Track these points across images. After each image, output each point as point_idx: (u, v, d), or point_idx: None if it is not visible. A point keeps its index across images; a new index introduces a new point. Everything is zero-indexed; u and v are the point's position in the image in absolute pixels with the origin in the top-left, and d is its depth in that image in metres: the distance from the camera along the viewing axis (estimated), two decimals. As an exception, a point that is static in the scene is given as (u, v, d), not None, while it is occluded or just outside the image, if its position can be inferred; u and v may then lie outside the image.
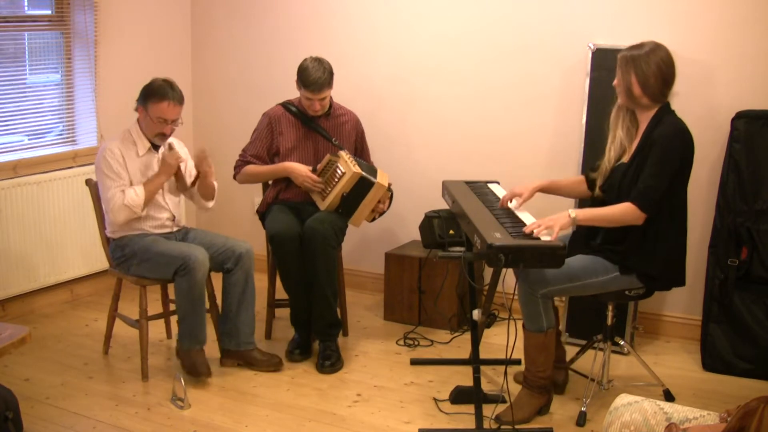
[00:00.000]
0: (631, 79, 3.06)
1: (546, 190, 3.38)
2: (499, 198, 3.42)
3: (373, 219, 3.94)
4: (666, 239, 3.07)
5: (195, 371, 3.50)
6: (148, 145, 3.59)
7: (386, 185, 3.76)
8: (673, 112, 3.15)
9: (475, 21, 4.31)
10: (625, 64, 3.08)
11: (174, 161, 3.58)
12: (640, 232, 3.04)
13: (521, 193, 3.28)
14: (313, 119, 3.93)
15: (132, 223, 3.58)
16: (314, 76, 3.75)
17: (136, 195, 3.50)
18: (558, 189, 3.43)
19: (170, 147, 3.60)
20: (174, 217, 3.71)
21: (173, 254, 3.45)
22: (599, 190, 3.24)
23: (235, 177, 4.00)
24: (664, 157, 3.00)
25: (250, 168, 3.93)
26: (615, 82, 3.15)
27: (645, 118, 3.12)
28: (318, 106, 3.84)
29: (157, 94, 3.48)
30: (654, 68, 3.03)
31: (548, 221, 2.97)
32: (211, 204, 3.83)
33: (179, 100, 3.53)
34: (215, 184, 3.79)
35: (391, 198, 3.92)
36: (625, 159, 3.15)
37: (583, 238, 3.22)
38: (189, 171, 3.75)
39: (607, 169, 3.20)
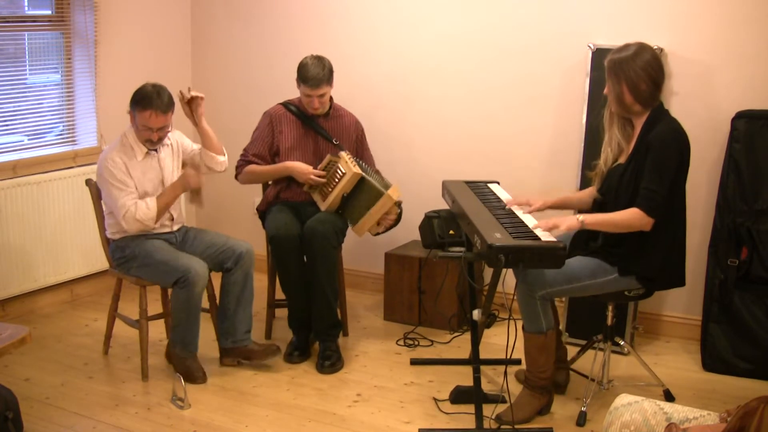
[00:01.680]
0: (621, 88, 3.05)
1: (559, 206, 3.39)
2: (499, 198, 3.42)
3: (378, 233, 3.91)
4: (665, 240, 3.07)
5: (190, 376, 3.51)
6: (145, 149, 3.58)
7: (395, 199, 3.72)
8: (667, 111, 3.14)
9: (476, 21, 4.31)
10: (614, 71, 3.06)
11: (194, 183, 3.57)
12: (640, 234, 3.03)
13: (533, 204, 3.28)
14: (313, 119, 3.93)
15: None
16: (313, 71, 3.75)
17: (148, 209, 3.48)
18: (571, 204, 3.45)
19: (188, 92, 3.54)
20: (173, 217, 3.71)
21: (174, 265, 3.44)
22: (597, 192, 3.25)
23: (236, 177, 4.00)
24: (662, 160, 2.99)
25: (252, 168, 3.93)
26: (605, 90, 3.14)
27: (639, 122, 3.12)
28: (317, 103, 3.83)
29: (142, 103, 3.44)
30: (643, 73, 3.01)
31: (556, 220, 3.01)
32: (223, 158, 3.74)
33: (164, 108, 3.45)
34: (215, 138, 3.70)
35: (399, 216, 3.89)
36: (622, 160, 3.15)
37: (584, 239, 3.23)
38: (192, 155, 3.76)
39: (604, 171, 3.20)
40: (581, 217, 3.04)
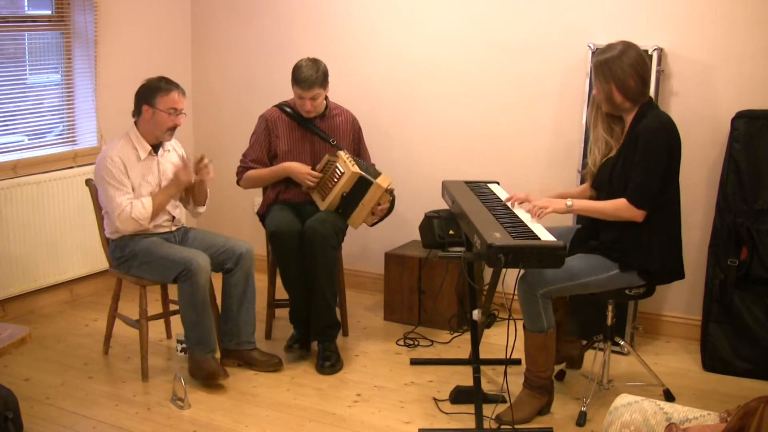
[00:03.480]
0: (610, 88, 3.07)
1: None
2: (498, 198, 3.42)
3: (374, 223, 3.92)
4: (661, 233, 3.09)
5: (212, 376, 3.47)
6: (149, 148, 3.58)
7: (385, 187, 3.74)
8: (657, 106, 3.17)
9: (475, 20, 4.31)
10: (602, 72, 3.08)
11: (186, 179, 3.58)
12: (635, 228, 3.06)
13: (532, 200, 3.28)
14: (309, 120, 3.93)
15: None
16: (306, 73, 3.75)
17: (143, 208, 3.49)
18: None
19: (184, 162, 3.58)
20: (173, 218, 3.71)
21: (175, 258, 3.44)
22: (590, 188, 3.27)
23: (238, 183, 4.02)
24: (651, 152, 3.01)
25: (252, 173, 3.93)
26: (594, 92, 3.16)
27: (629, 117, 3.14)
28: (309, 105, 3.82)
29: (163, 88, 3.51)
30: (630, 70, 3.03)
31: (545, 201, 3.11)
32: (202, 209, 3.84)
33: (183, 90, 3.59)
34: (208, 190, 3.79)
35: (392, 203, 3.90)
36: (612, 154, 3.17)
37: (583, 238, 3.23)
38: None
39: (593, 170, 3.22)
40: (569, 201, 3.12)
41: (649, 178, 3.01)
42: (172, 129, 3.58)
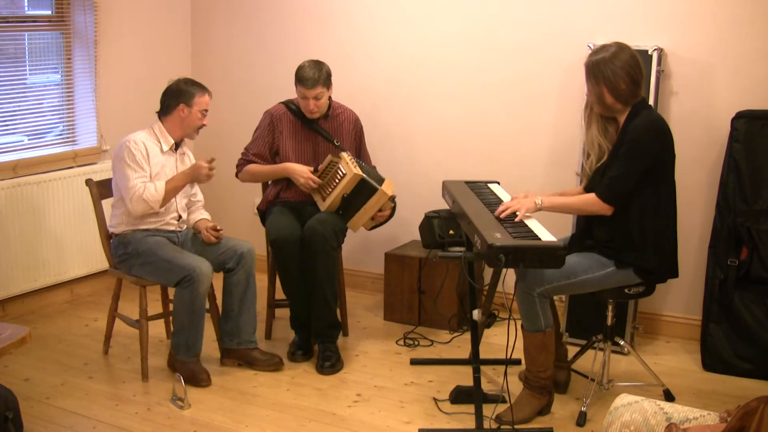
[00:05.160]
0: (601, 90, 3.07)
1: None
2: (498, 198, 3.42)
3: (373, 227, 3.92)
4: (656, 231, 3.09)
5: (194, 379, 3.49)
6: (172, 142, 3.62)
7: (389, 194, 3.75)
8: (649, 106, 3.17)
9: (476, 20, 4.32)
10: (593, 73, 3.08)
11: (205, 178, 3.60)
12: (631, 227, 3.06)
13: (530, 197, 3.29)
14: (313, 120, 3.93)
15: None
16: (309, 72, 3.77)
17: (155, 191, 3.50)
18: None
19: (209, 165, 3.60)
20: (180, 216, 3.71)
21: (178, 264, 3.44)
22: (584, 191, 3.27)
23: (237, 175, 4.01)
24: (634, 150, 3.02)
25: (252, 167, 3.93)
26: (586, 92, 3.16)
27: (622, 118, 3.14)
28: (312, 105, 3.83)
29: (199, 91, 3.61)
30: (622, 73, 3.03)
31: (515, 206, 3.07)
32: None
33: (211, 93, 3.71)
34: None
35: (393, 210, 3.91)
36: (606, 157, 3.17)
37: (580, 237, 3.24)
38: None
39: (589, 173, 3.22)
40: (539, 199, 3.11)
41: (624, 175, 3.01)
42: (201, 128, 3.66)
